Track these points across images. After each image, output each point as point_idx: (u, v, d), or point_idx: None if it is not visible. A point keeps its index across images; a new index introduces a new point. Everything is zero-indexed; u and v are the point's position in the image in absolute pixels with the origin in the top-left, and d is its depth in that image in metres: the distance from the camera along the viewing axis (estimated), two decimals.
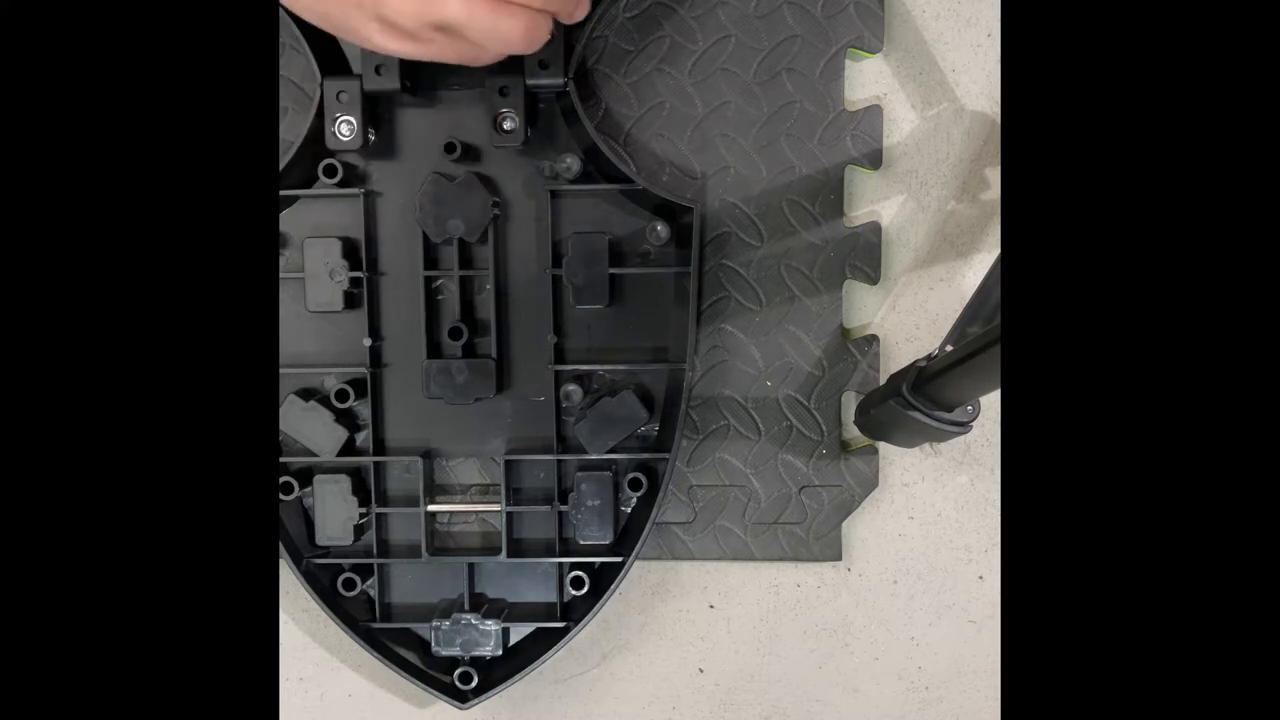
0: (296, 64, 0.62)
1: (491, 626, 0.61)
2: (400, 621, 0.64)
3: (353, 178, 0.62)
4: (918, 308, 0.65)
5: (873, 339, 0.64)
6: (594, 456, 0.62)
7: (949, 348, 0.52)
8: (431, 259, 0.62)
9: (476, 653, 0.62)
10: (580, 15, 0.52)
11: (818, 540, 0.64)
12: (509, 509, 0.62)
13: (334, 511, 0.62)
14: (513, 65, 0.59)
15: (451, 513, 0.64)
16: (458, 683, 0.62)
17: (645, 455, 0.62)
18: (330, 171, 0.61)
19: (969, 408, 0.53)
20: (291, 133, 0.62)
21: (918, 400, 0.53)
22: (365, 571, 0.63)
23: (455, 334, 0.61)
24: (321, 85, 0.58)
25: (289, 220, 0.62)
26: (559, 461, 0.63)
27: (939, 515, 0.65)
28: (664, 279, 0.62)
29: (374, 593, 0.64)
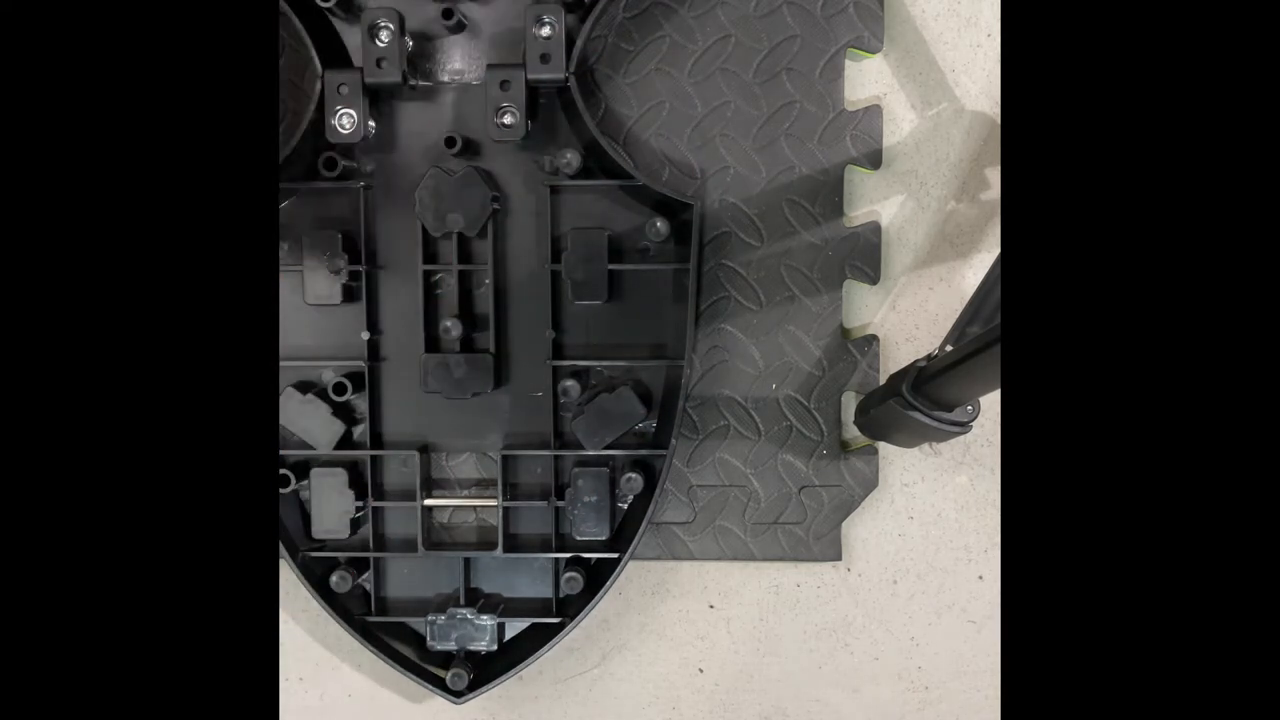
0: (296, 62, 0.62)
1: (487, 621, 0.61)
2: (396, 616, 0.64)
3: (352, 171, 0.62)
4: (918, 308, 0.64)
5: (873, 339, 0.63)
6: (591, 452, 0.62)
7: (949, 348, 0.52)
8: (431, 253, 0.62)
9: (472, 647, 0.61)
10: None
11: (818, 540, 0.64)
12: (506, 504, 0.62)
13: (330, 505, 0.62)
14: (514, 58, 0.59)
15: (448, 507, 0.64)
16: (452, 678, 0.62)
17: (643, 452, 0.62)
18: (330, 164, 0.61)
19: (969, 408, 0.53)
20: (291, 126, 0.62)
21: (918, 400, 0.53)
22: (361, 565, 0.63)
23: (453, 328, 0.61)
24: (322, 78, 0.58)
25: (288, 213, 0.62)
26: (556, 457, 0.62)
27: (939, 515, 0.65)
28: (663, 276, 0.62)
29: (370, 587, 0.63)
